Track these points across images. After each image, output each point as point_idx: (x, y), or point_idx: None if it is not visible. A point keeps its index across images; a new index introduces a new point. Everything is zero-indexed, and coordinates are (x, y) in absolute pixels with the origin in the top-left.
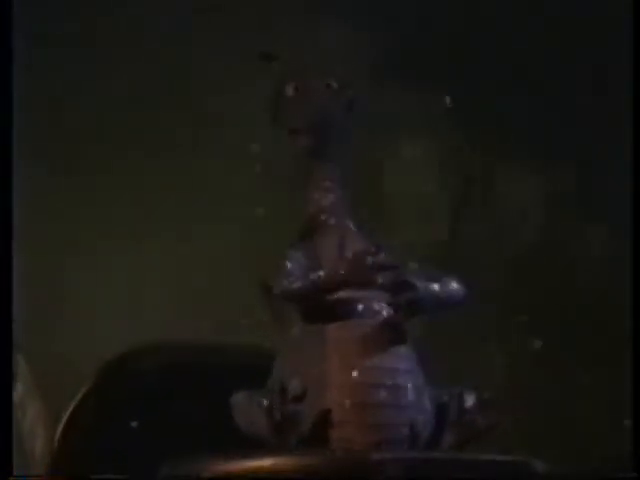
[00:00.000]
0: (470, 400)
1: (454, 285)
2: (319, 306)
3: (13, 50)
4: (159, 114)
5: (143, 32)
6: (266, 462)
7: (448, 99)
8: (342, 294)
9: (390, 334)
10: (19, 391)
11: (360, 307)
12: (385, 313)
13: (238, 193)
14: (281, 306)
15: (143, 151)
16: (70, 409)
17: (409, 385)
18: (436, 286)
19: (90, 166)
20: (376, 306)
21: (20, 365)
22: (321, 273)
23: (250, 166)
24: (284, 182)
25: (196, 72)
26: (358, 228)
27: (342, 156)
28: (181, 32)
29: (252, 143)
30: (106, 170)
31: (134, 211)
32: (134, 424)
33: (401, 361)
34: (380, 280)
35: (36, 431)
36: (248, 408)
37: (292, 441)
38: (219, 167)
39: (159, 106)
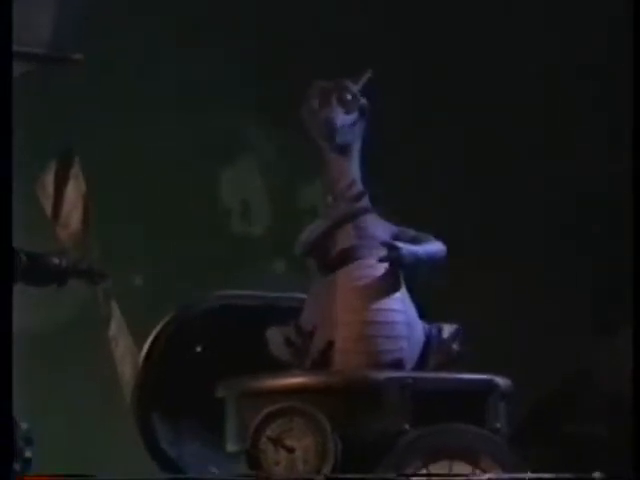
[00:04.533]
0: (447, 332)
1: (436, 246)
2: (328, 259)
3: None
4: None
5: None
6: (296, 380)
7: None
8: (345, 246)
9: (385, 282)
10: (113, 329)
11: (359, 259)
12: (381, 266)
13: None
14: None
15: None
16: (148, 342)
17: (399, 320)
18: (417, 247)
19: None
20: (373, 258)
21: (114, 310)
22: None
23: None
24: None
25: None
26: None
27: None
28: None
29: None
30: None
31: None
32: (197, 350)
33: (394, 303)
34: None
35: (125, 359)
36: (275, 340)
37: (306, 365)
38: None
39: None
